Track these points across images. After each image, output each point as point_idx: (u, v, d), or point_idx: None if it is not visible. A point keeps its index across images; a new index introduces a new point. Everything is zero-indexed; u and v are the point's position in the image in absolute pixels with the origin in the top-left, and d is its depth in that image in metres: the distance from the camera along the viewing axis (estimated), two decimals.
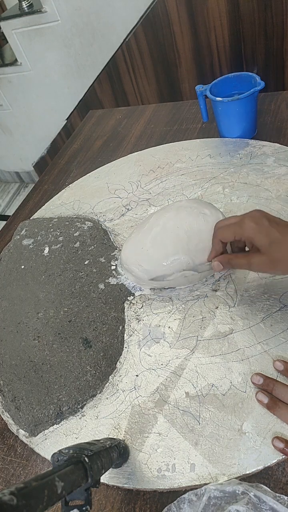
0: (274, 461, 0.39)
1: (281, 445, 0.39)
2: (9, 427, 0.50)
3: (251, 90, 0.66)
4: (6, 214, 2.24)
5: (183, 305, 0.54)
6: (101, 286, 0.60)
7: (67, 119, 1.75)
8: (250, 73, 0.70)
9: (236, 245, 0.49)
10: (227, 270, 0.55)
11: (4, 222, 0.90)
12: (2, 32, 1.63)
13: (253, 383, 0.43)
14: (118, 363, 0.51)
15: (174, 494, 0.40)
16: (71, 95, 1.66)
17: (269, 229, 0.41)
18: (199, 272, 0.53)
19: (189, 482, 0.40)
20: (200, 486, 0.38)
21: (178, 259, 0.52)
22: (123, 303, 0.57)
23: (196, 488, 0.37)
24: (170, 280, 0.54)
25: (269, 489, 0.36)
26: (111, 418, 0.46)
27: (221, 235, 0.46)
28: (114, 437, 0.44)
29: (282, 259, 0.40)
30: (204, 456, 0.41)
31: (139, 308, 0.56)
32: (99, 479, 0.33)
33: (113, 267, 0.62)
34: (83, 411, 0.48)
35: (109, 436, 0.45)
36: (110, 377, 0.50)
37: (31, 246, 0.71)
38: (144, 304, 0.56)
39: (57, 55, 1.56)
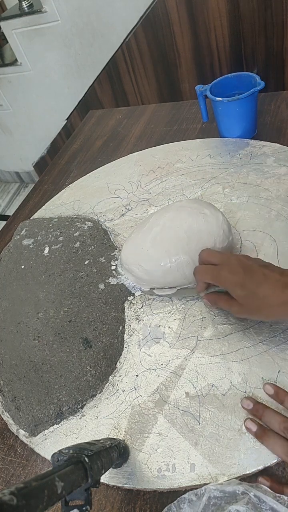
0: (274, 461, 0.39)
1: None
2: (9, 427, 0.50)
3: (251, 90, 0.66)
4: (6, 214, 2.24)
5: (183, 305, 0.54)
6: (101, 286, 0.60)
7: (67, 119, 1.75)
8: (250, 73, 0.70)
9: None
10: None
11: (4, 222, 0.90)
12: (2, 32, 1.63)
13: (242, 407, 0.42)
14: (118, 363, 0.51)
15: (174, 494, 0.40)
16: (71, 95, 1.66)
17: (244, 280, 0.42)
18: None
19: (189, 482, 0.40)
20: (200, 486, 0.38)
21: (178, 259, 0.52)
22: (123, 303, 0.57)
23: (196, 488, 0.37)
24: (171, 280, 0.54)
25: (269, 489, 0.36)
26: (111, 418, 0.46)
27: (201, 277, 0.47)
28: (114, 437, 0.44)
29: (257, 311, 0.42)
30: (204, 456, 0.41)
31: (139, 308, 0.56)
32: (99, 479, 0.33)
33: (113, 267, 0.62)
34: (83, 411, 0.48)
35: (109, 436, 0.45)
36: (110, 377, 0.50)
37: (31, 246, 0.71)
38: (144, 304, 0.56)
39: (57, 55, 1.56)
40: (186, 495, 0.37)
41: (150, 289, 0.56)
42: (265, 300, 0.40)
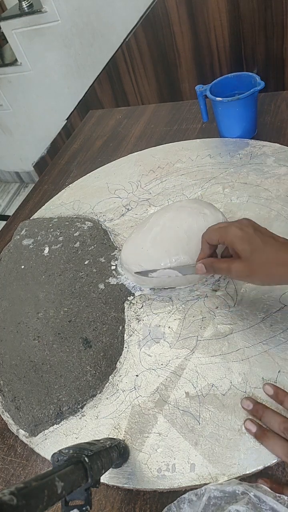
0: (274, 461, 0.39)
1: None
2: (9, 427, 0.50)
3: (251, 90, 0.66)
4: (6, 214, 2.24)
5: (183, 305, 0.54)
6: (101, 286, 0.60)
7: (67, 119, 1.75)
8: (250, 73, 0.70)
9: (225, 254, 0.49)
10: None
11: (4, 222, 0.90)
12: (2, 32, 1.63)
13: (242, 407, 0.42)
14: (118, 363, 0.51)
15: (174, 494, 0.40)
16: (71, 95, 1.66)
17: (252, 237, 0.41)
18: (183, 275, 0.52)
19: (189, 482, 0.40)
20: (200, 486, 0.38)
21: (178, 259, 0.52)
22: (123, 303, 0.57)
23: (196, 488, 0.37)
24: (171, 280, 0.54)
25: (269, 489, 0.36)
26: (111, 418, 0.46)
27: (207, 236, 0.46)
28: (114, 437, 0.44)
29: (260, 269, 0.41)
30: (204, 456, 0.41)
31: (139, 308, 0.56)
32: (99, 479, 0.33)
33: (113, 267, 0.62)
34: (83, 411, 0.48)
35: (109, 436, 0.45)
36: (110, 377, 0.50)
37: (31, 246, 0.71)
38: (144, 304, 0.56)
39: (57, 55, 1.56)
40: (186, 495, 0.37)
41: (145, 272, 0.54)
42: (272, 256, 0.39)
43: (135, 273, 0.55)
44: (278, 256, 0.40)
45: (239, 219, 0.44)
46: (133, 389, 0.48)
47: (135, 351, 0.51)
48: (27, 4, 1.47)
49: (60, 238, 0.70)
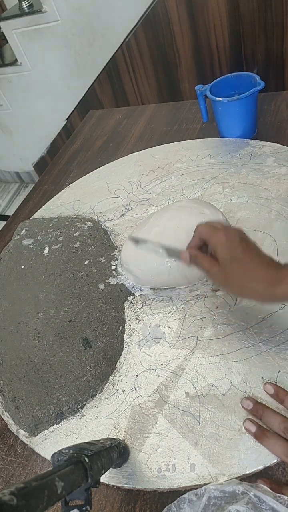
0: (274, 461, 0.39)
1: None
2: (9, 427, 0.50)
3: (251, 90, 0.66)
4: (6, 214, 2.24)
5: (183, 305, 0.54)
6: (101, 286, 0.60)
7: (67, 119, 1.75)
8: (250, 73, 0.70)
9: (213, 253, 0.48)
10: None
11: (4, 222, 0.90)
12: (2, 32, 1.63)
13: (242, 407, 0.42)
14: (118, 363, 0.51)
15: (174, 494, 0.40)
16: (71, 95, 1.66)
17: (235, 246, 0.41)
18: (168, 256, 0.52)
19: (189, 482, 0.40)
20: (200, 486, 0.38)
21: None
22: (123, 303, 0.57)
23: (196, 488, 0.37)
24: (170, 280, 0.54)
25: (269, 489, 0.36)
26: (111, 418, 0.46)
27: (199, 229, 0.46)
28: (114, 437, 0.44)
29: (233, 279, 0.41)
30: (204, 456, 0.41)
31: (139, 308, 0.56)
32: (99, 479, 0.33)
33: (113, 267, 0.62)
34: (83, 411, 0.48)
35: (109, 436, 0.45)
36: (110, 377, 0.50)
37: (31, 246, 0.71)
38: (144, 304, 0.56)
39: (57, 55, 1.56)
40: (186, 495, 0.37)
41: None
42: (248, 269, 0.39)
43: (130, 237, 0.55)
44: (254, 271, 0.39)
45: (231, 226, 0.44)
46: (133, 389, 0.48)
47: (135, 351, 0.51)
48: (27, 4, 1.47)
49: (60, 238, 0.70)
